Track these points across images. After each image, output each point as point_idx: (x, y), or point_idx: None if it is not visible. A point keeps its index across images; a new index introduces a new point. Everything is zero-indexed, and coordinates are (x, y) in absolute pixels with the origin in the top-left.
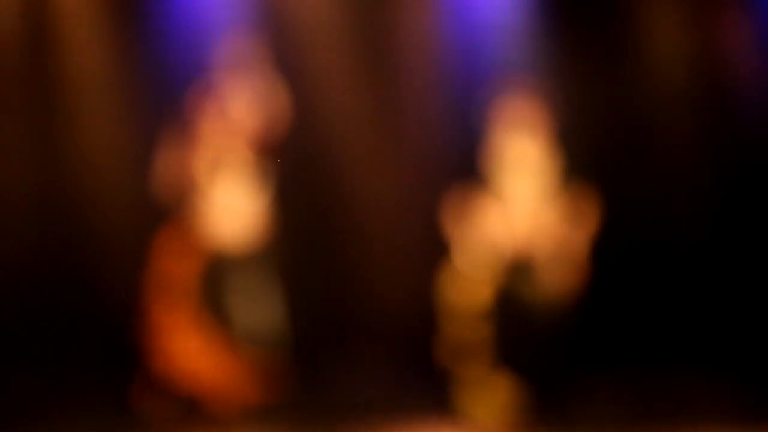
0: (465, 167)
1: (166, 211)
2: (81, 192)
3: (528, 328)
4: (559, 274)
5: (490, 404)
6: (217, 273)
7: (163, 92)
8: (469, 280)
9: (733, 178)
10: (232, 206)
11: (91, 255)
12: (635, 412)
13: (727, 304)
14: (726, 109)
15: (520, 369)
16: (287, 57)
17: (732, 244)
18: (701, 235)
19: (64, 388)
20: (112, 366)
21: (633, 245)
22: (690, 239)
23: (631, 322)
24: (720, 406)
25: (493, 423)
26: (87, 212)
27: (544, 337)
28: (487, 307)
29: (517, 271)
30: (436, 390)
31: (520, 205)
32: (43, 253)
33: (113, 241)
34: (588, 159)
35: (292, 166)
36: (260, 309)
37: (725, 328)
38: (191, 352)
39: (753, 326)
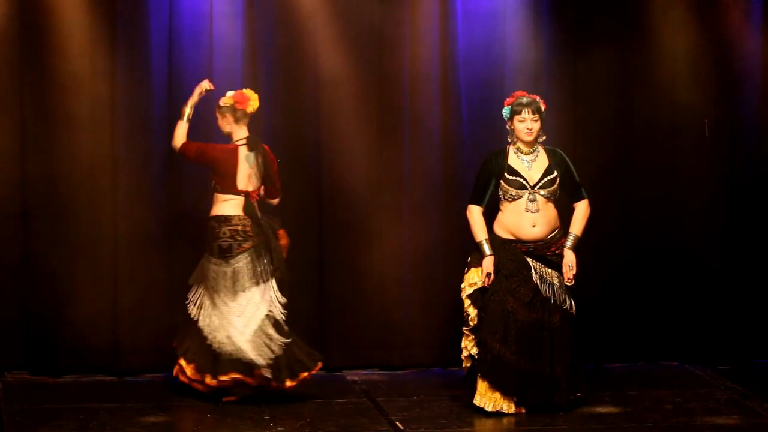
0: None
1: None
2: (72, 194)
3: (532, 324)
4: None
5: (492, 400)
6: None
7: (160, 94)
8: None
9: (743, 183)
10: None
11: (82, 255)
12: (634, 409)
13: (731, 304)
14: (737, 112)
15: (521, 366)
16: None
17: (740, 249)
18: (711, 240)
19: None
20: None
21: (641, 248)
22: (700, 244)
23: (634, 321)
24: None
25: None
26: (80, 214)
27: (548, 333)
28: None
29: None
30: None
31: (527, 207)
32: (28, 254)
33: (105, 242)
34: (593, 160)
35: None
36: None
37: (727, 327)
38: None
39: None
